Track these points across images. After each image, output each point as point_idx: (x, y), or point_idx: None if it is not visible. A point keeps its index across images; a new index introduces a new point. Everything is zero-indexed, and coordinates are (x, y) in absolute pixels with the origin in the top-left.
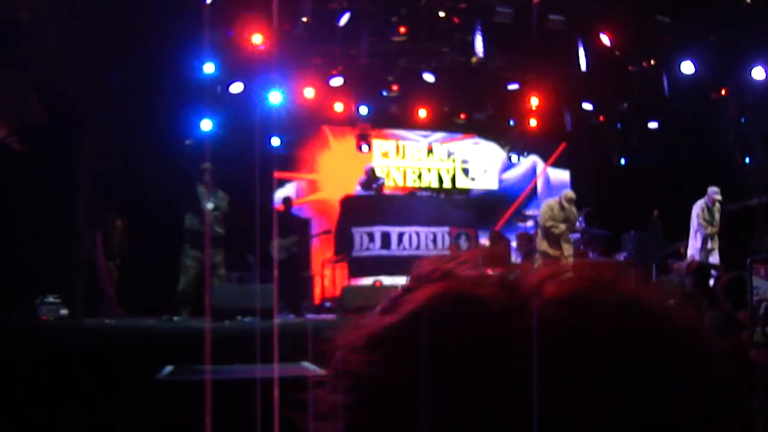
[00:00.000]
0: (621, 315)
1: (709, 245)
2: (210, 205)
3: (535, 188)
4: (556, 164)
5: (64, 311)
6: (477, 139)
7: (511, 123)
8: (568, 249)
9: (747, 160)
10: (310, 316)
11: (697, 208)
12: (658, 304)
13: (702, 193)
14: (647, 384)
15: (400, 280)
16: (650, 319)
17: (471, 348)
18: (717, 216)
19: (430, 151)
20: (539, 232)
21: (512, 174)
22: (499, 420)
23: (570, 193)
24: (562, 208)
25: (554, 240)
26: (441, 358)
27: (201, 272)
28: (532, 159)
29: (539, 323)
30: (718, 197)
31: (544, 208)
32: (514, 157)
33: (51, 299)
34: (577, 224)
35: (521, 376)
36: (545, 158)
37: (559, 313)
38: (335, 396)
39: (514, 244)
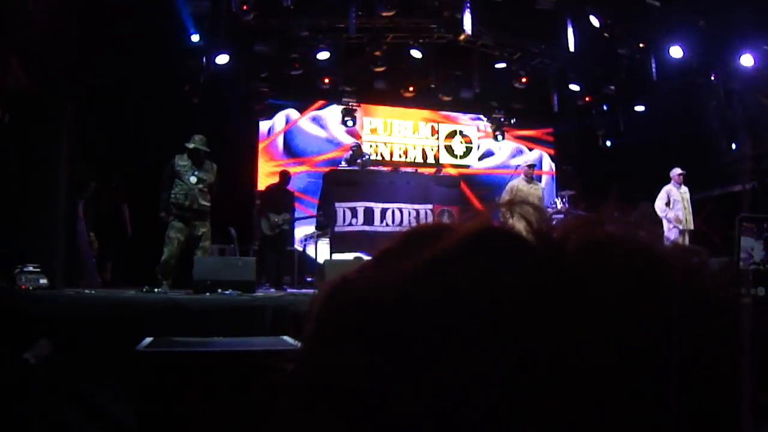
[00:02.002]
0: (650, 269)
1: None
2: (193, 179)
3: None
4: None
5: (44, 281)
6: (462, 117)
7: (498, 102)
8: None
9: (732, 146)
10: (291, 290)
11: (662, 194)
12: (694, 266)
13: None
14: (677, 334)
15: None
16: (683, 280)
17: (531, 286)
18: (687, 204)
19: (415, 128)
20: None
21: (496, 153)
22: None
23: (529, 170)
24: (528, 183)
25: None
26: (503, 293)
27: (185, 244)
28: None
29: (583, 270)
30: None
31: (507, 188)
32: (499, 136)
33: (31, 268)
34: (561, 206)
35: (572, 323)
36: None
37: (593, 264)
38: (358, 349)
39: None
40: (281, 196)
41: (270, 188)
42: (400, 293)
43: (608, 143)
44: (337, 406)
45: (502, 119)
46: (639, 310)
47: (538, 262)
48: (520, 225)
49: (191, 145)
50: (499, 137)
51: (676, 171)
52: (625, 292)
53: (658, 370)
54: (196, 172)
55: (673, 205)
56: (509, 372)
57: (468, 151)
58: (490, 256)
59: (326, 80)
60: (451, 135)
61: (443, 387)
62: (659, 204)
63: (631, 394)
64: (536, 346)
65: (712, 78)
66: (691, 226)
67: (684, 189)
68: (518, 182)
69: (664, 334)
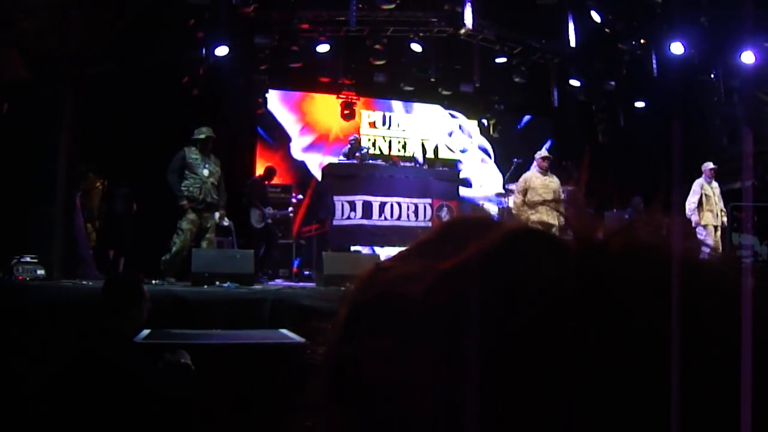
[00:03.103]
0: (685, 273)
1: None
2: (206, 172)
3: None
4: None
5: (41, 271)
6: (462, 112)
7: (498, 97)
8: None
9: (732, 143)
10: (288, 283)
11: (695, 189)
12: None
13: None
14: (707, 339)
15: (380, 250)
16: (712, 279)
17: (557, 289)
18: (718, 200)
19: (415, 121)
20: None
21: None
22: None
23: (543, 162)
24: (543, 175)
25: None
26: (539, 294)
27: (196, 236)
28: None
29: (614, 275)
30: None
31: (520, 180)
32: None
33: (28, 259)
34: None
35: (606, 326)
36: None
37: (632, 267)
38: (376, 340)
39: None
40: (266, 190)
41: (255, 181)
42: (430, 290)
43: (608, 139)
44: (360, 396)
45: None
46: (676, 317)
47: (576, 267)
48: (550, 219)
49: (203, 135)
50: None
51: (709, 165)
52: (663, 298)
53: (697, 382)
54: (207, 165)
55: (706, 201)
56: (537, 377)
57: (468, 145)
58: (524, 259)
59: (326, 73)
60: (452, 128)
61: (454, 388)
62: (692, 200)
63: (658, 404)
64: (565, 354)
65: (713, 75)
66: (721, 222)
67: (714, 184)
68: (532, 174)
69: (700, 342)
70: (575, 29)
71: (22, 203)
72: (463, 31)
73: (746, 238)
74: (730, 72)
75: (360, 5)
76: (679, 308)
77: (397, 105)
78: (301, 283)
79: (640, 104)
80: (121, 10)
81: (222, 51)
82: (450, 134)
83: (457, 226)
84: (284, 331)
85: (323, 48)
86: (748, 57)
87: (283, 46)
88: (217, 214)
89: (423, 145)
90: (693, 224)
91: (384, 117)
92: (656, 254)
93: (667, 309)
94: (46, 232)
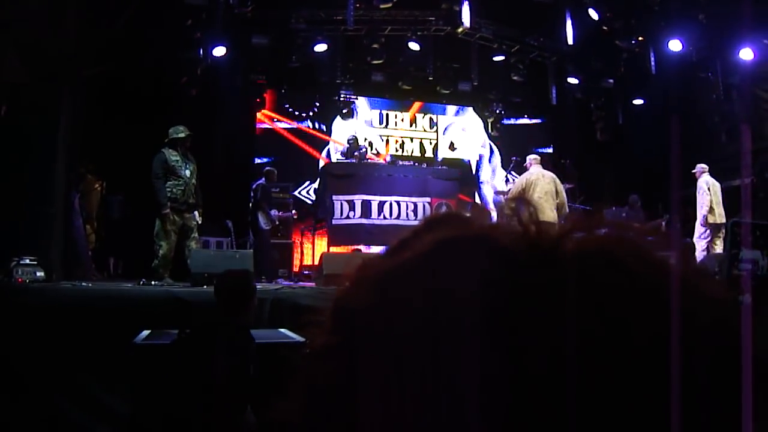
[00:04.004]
0: (649, 275)
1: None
2: (187, 173)
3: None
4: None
5: (40, 273)
6: (460, 110)
7: (496, 95)
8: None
9: (731, 140)
10: (287, 283)
11: (704, 188)
12: (690, 270)
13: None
14: (678, 347)
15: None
16: (682, 284)
17: (489, 295)
18: (719, 197)
19: (413, 120)
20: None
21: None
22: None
23: (535, 161)
24: (538, 175)
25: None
26: (456, 303)
27: (180, 237)
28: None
29: (565, 278)
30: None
31: (516, 182)
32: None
33: (27, 261)
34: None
35: (547, 331)
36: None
37: (587, 269)
38: (332, 336)
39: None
40: (270, 192)
41: (261, 186)
42: (377, 290)
43: (606, 137)
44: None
45: (500, 111)
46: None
47: (508, 275)
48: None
49: (182, 134)
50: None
51: (705, 166)
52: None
53: (655, 374)
54: (188, 166)
55: (712, 198)
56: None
57: (468, 144)
58: (447, 267)
59: (324, 72)
60: (451, 128)
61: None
62: (705, 200)
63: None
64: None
65: (711, 72)
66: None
67: (714, 180)
68: (527, 175)
69: (655, 335)
70: (573, 27)
71: (21, 205)
72: (460, 29)
73: (748, 253)
74: (729, 69)
75: (357, 4)
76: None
77: (395, 104)
78: (301, 283)
79: (638, 102)
80: (118, 11)
81: (219, 51)
82: (448, 132)
83: (436, 223)
84: (284, 330)
85: (321, 47)
86: (746, 54)
87: (281, 46)
88: (196, 213)
89: (421, 144)
90: (701, 223)
91: (381, 115)
92: (607, 259)
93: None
94: (45, 234)
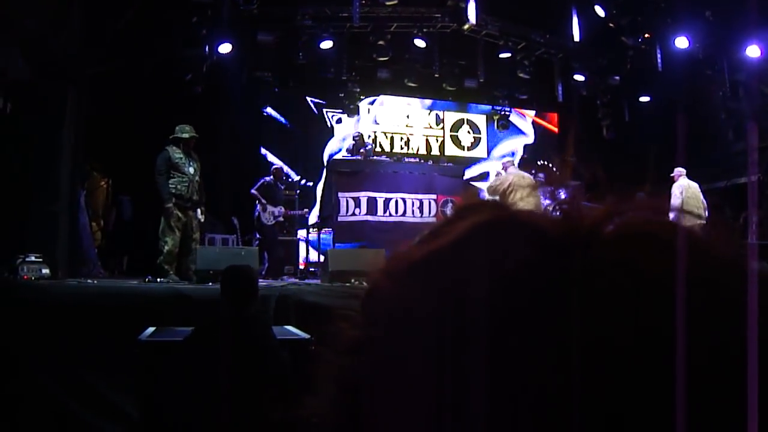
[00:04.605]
0: (690, 257)
1: None
2: (191, 170)
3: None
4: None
5: (45, 271)
6: (467, 107)
7: (502, 92)
8: None
9: (738, 138)
10: (293, 280)
11: (675, 193)
12: (726, 250)
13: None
14: (714, 329)
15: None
16: (719, 264)
17: (529, 282)
18: (699, 199)
19: (419, 117)
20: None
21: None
22: (549, 363)
23: (508, 162)
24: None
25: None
26: (495, 288)
27: (184, 234)
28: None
29: (606, 262)
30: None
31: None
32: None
33: (32, 258)
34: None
35: (590, 318)
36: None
37: (628, 252)
38: (364, 329)
39: None
40: (277, 190)
41: (264, 184)
42: (411, 280)
43: (613, 134)
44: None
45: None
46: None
47: (556, 256)
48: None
49: (187, 135)
50: (501, 128)
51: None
52: (662, 288)
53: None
54: (191, 163)
55: (685, 201)
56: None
57: (476, 142)
58: (486, 246)
59: (330, 69)
60: (458, 125)
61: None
62: (673, 203)
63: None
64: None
65: (717, 69)
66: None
67: (694, 184)
68: (508, 176)
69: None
70: (579, 24)
71: (26, 203)
72: (466, 26)
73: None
74: (736, 66)
75: (363, 1)
76: (682, 303)
77: (401, 101)
78: (306, 280)
79: (644, 99)
80: (123, 8)
81: (225, 48)
82: (455, 130)
83: (468, 209)
84: (289, 327)
85: (327, 44)
86: (753, 51)
87: (287, 43)
88: (199, 211)
89: (427, 142)
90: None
91: (386, 113)
92: (650, 241)
93: (667, 302)
94: (51, 232)
